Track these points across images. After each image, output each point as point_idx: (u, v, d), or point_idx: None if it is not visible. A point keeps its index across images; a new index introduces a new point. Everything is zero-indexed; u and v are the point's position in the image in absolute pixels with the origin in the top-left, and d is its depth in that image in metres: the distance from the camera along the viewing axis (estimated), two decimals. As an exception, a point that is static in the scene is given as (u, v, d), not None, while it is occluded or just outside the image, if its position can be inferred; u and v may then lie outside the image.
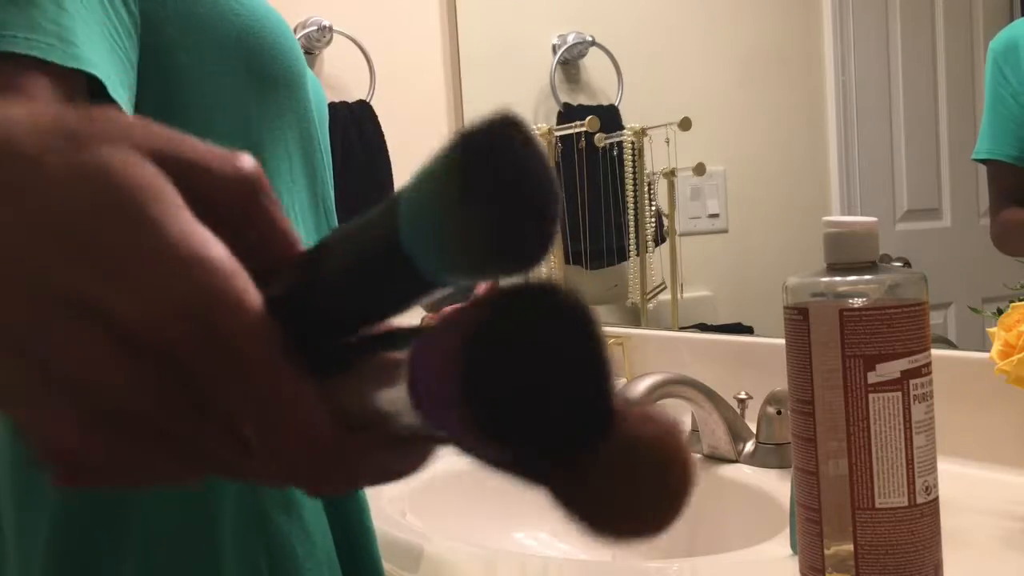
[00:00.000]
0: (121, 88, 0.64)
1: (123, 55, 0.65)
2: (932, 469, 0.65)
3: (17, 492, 0.70)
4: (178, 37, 0.70)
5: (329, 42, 1.79)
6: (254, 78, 0.74)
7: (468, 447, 0.25)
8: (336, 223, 0.85)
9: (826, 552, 0.66)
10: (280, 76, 0.76)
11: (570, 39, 1.78)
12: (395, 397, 0.26)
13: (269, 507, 0.71)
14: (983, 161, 1.16)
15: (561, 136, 1.61)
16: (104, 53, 0.63)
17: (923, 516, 0.64)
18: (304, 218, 0.80)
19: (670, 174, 1.58)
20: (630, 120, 1.65)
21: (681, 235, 1.59)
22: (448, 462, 1.26)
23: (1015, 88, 1.12)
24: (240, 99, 0.73)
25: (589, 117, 1.57)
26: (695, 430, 1.17)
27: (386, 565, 0.88)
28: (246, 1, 0.74)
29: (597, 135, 1.60)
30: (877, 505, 0.64)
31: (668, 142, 1.56)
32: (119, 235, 0.25)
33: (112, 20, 0.65)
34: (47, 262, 0.25)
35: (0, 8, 0.60)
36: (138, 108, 0.66)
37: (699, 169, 1.53)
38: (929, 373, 0.65)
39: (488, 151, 0.23)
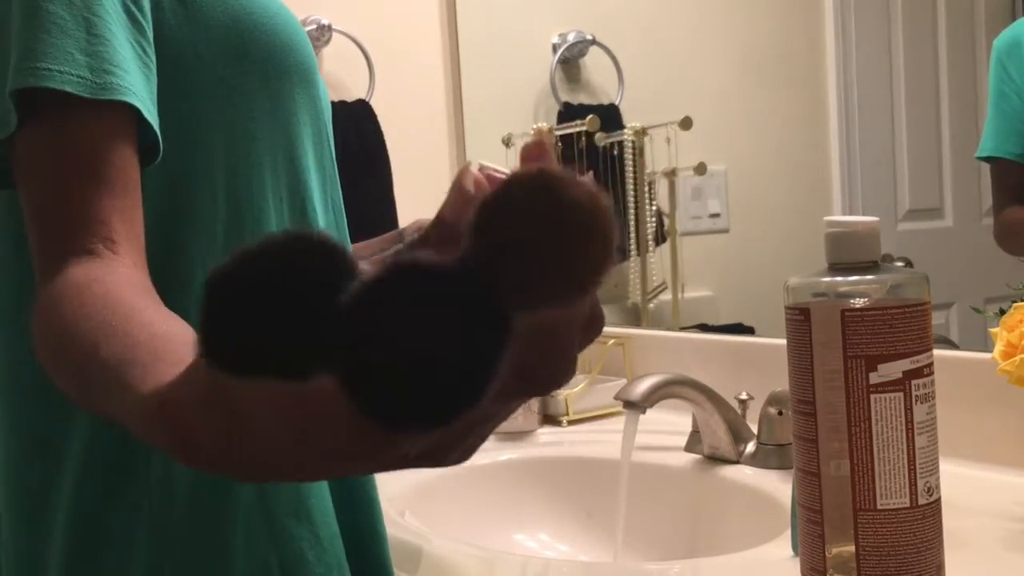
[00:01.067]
0: (152, 106, 0.64)
1: (150, 68, 0.66)
2: (934, 470, 0.65)
3: (25, 502, 0.70)
4: (193, 39, 0.70)
5: (328, 41, 1.79)
6: (271, 76, 0.74)
7: None
8: (345, 221, 0.85)
9: (828, 553, 0.66)
10: (295, 73, 0.76)
11: (570, 38, 1.78)
12: None
13: (280, 513, 0.71)
14: (986, 159, 1.16)
15: (561, 135, 1.61)
16: (136, 73, 0.64)
17: (925, 517, 0.64)
18: (324, 211, 0.80)
19: (671, 173, 1.57)
20: (631, 119, 1.65)
21: (682, 235, 1.58)
22: (447, 463, 1.21)
23: (1019, 86, 1.11)
24: (257, 97, 0.73)
25: (589, 116, 1.57)
26: (696, 431, 1.17)
27: (385, 566, 0.88)
28: (256, 0, 0.74)
29: (597, 134, 1.60)
30: (879, 506, 0.64)
31: (669, 141, 1.55)
32: None
33: (137, 32, 0.65)
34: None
35: (32, 37, 0.60)
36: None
37: (700, 168, 1.53)
38: (931, 374, 0.65)
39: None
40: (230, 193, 0.71)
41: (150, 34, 0.66)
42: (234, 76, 0.72)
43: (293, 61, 0.76)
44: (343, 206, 0.85)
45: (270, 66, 0.74)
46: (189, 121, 0.70)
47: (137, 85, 0.63)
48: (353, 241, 0.90)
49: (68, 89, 0.60)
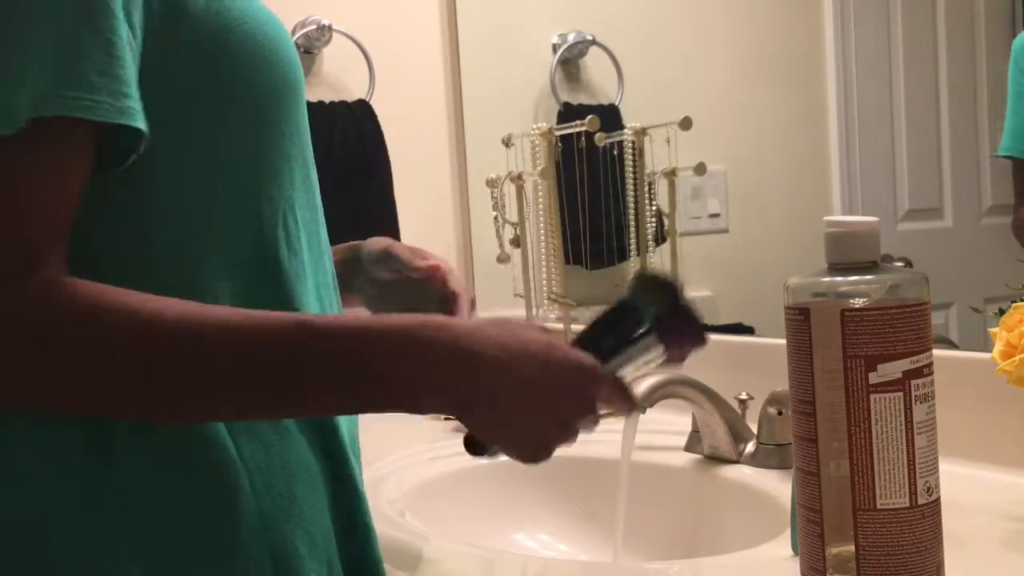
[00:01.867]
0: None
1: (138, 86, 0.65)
2: (933, 470, 0.65)
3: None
4: (186, 51, 0.69)
5: (328, 41, 1.79)
6: (259, 91, 0.74)
7: (678, 353, 0.76)
8: (326, 225, 0.85)
9: (827, 553, 0.66)
10: (282, 85, 0.76)
11: (570, 38, 1.78)
12: (651, 353, 0.74)
13: (274, 510, 0.71)
14: (1006, 157, 1.17)
15: (561, 136, 1.61)
16: (137, 94, 0.63)
17: (924, 517, 0.64)
18: (304, 223, 0.79)
19: (671, 174, 1.57)
20: (631, 119, 1.65)
21: (682, 235, 1.59)
22: (448, 463, 1.27)
23: None
24: (248, 112, 0.73)
25: (589, 116, 1.57)
26: (696, 430, 1.17)
27: (386, 565, 0.88)
28: (248, 10, 0.74)
29: (597, 134, 1.60)
30: (878, 506, 0.64)
31: (669, 142, 1.55)
32: None
33: (132, 49, 0.65)
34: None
35: (59, 60, 0.60)
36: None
37: (700, 169, 1.53)
38: (931, 373, 0.65)
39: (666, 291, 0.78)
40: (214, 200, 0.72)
41: (137, 51, 0.66)
42: (222, 88, 0.71)
43: (282, 74, 0.76)
44: (322, 205, 0.84)
45: (260, 80, 0.74)
46: (178, 139, 0.70)
47: (140, 106, 0.63)
48: (351, 239, 0.90)
49: (93, 117, 0.60)
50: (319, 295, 0.81)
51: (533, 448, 0.73)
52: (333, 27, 1.78)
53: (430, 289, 0.94)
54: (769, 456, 1.09)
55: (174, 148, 0.70)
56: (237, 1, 0.73)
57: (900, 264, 1.20)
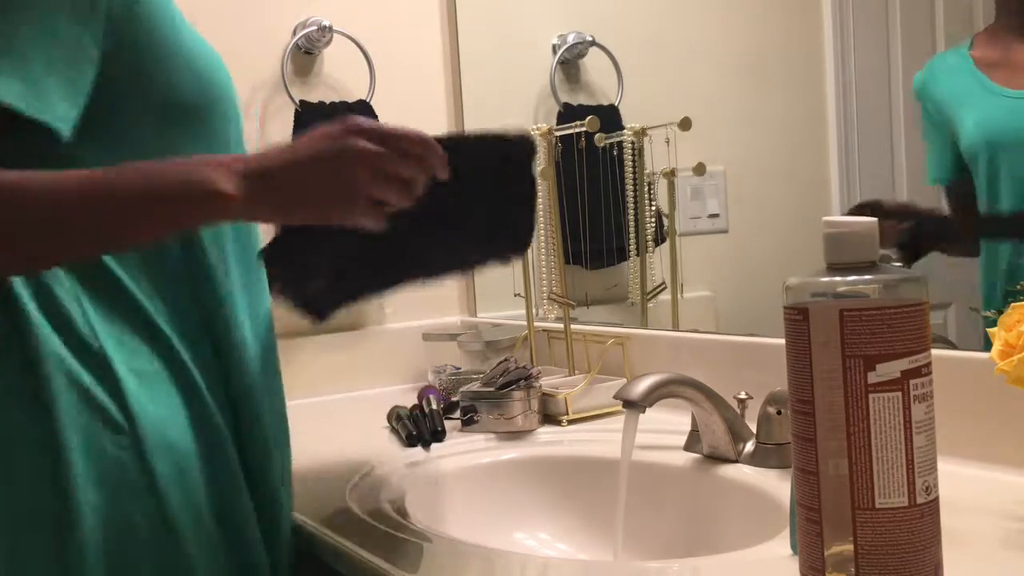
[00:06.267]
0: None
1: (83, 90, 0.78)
2: (932, 469, 0.65)
3: None
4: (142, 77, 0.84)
5: (329, 42, 1.79)
6: (205, 116, 0.91)
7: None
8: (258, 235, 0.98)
9: (826, 552, 0.66)
10: (224, 106, 0.93)
11: (570, 39, 1.78)
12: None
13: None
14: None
15: (561, 136, 1.61)
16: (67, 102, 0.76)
17: (923, 516, 0.64)
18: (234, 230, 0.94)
19: (670, 174, 1.58)
20: (630, 120, 1.65)
21: (681, 235, 1.59)
22: (448, 462, 1.27)
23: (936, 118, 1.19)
24: (191, 130, 0.89)
25: (589, 117, 1.57)
26: (695, 430, 1.17)
27: (386, 565, 0.89)
28: (187, 42, 0.87)
29: (597, 135, 1.60)
30: (877, 505, 0.64)
31: (668, 142, 1.56)
32: None
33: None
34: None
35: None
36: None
37: (699, 169, 1.53)
38: (929, 373, 0.65)
39: None
40: None
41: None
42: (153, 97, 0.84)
43: (221, 95, 0.92)
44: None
45: (203, 105, 0.89)
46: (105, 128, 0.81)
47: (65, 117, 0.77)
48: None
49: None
50: (247, 292, 0.94)
51: (342, 192, 0.80)
52: (333, 28, 1.79)
53: None
54: (768, 455, 1.10)
55: (106, 144, 0.81)
56: (182, 32, 0.87)
57: (899, 264, 1.21)
